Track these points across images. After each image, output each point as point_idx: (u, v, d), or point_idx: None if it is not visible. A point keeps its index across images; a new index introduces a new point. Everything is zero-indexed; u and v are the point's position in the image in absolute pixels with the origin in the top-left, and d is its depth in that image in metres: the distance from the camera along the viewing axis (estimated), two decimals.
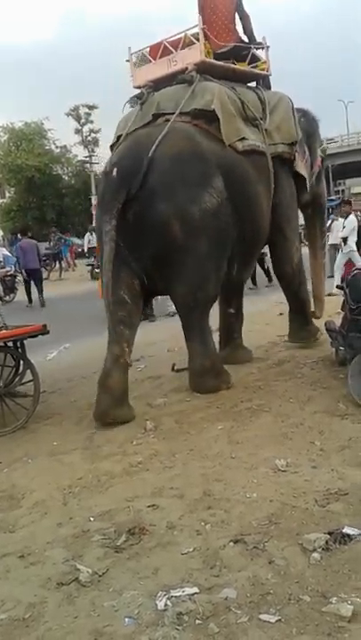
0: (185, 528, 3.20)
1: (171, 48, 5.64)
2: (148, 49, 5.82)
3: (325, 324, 6.30)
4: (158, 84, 5.63)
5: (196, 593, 2.59)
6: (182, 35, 5.57)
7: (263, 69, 6.15)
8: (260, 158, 5.61)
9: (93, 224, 28.91)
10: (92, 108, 46.67)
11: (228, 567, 2.78)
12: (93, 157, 41.69)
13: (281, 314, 9.39)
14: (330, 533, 2.91)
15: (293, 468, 3.80)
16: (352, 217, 12.34)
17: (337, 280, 9.84)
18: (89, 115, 47.12)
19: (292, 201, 6.30)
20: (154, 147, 4.92)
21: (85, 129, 47.55)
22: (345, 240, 11.98)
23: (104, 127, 44.58)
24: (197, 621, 2.42)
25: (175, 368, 6.61)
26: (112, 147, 5.87)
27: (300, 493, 3.43)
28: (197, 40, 5.46)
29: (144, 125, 5.46)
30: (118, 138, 5.67)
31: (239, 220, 5.30)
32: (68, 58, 76.88)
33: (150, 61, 5.85)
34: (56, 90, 68.85)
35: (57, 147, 45.31)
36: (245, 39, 6.01)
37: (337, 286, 6.21)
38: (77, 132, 47.60)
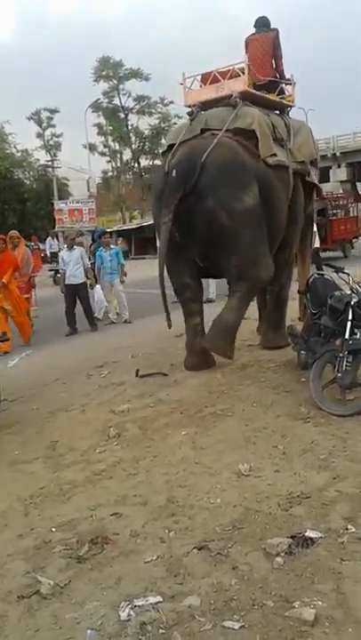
0: (148, 536, 3.17)
1: (219, 77, 6.90)
2: (200, 76, 7.15)
3: (288, 329, 6.37)
4: (205, 105, 6.77)
5: (159, 602, 2.56)
6: (230, 67, 6.88)
7: (290, 101, 7.43)
8: (284, 172, 6.63)
9: (56, 228, 28.79)
10: (53, 112, 46.42)
11: (192, 575, 2.76)
12: (55, 162, 41.37)
13: (245, 318, 9.47)
14: (293, 537, 2.93)
15: (257, 472, 3.82)
16: None
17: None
18: (51, 119, 46.84)
19: (301, 209, 7.23)
20: (205, 155, 5.93)
21: (47, 133, 47.23)
22: None
23: (66, 131, 44.42)
24: (161, 630, 2.39)
25: (139, 374, 6.58)
26: (163, 153, 6.92)
27: (264, 498, 3.44)
28: (242, 73, 6.76)
29: (194, 137, 6.37)
30: (169, 146, 6.59)
31: (266, 218, 6.23)
32: (28, 59, 75.75)
33: (200, 86, 7.17)
34: (16, 92, 67.81)
35: (18, 150, 44.88)
36: (277, 75, 7.24)
37: (298, 291, 6.29)
38: (39, 136, 47.23)
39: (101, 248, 11.42)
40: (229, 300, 6.37)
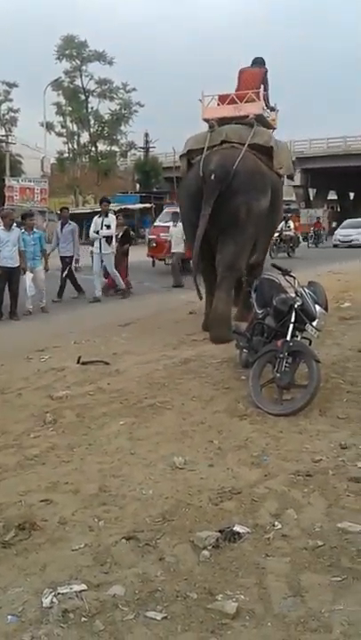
0: (77, 524, 3.15)
1: (237, 99, 8.40)
2: (218, 97, 8.59)
3: (233, 327, 6.45)
4: (221, 121, 8.21)
5: (83, 590, 2.55)
6: (247, 92, 8.39)
7: (274, 124, 9.20)
8: (281, 180, 8.41)
9: (5, 206, 27.94)
10: (11, 85, 44.97)
11: (119, 564, 2.77)
12: (10, 137, 40.13)
13: (191, 312, 9.54)
14: (221, 531, 2.97)
15: (191, 465, 3.85)
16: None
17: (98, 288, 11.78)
18: (8, 92, 45.40)
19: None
20: (236, 164, 7.34)
21: (3, 107, 45.78)
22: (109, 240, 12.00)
23: (24, 107, 43.21)
24: (83, 619, 2.38)
25: (80, 361, 6.51)
26: (181, 156, 8.46)
27: (196, 491, 3.48)
28: (258, 99, 8.30)
29: (214, 146, 7.82)
30: (188, 151, 8.16)
31: (271, 220, 8.02)
32: None
33: (218, 104, 8.57)
34: None
35: None
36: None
37: (246, 290, 6.37)
38: None
39: (24, 230, 10.63)
40: (218, 292, 7.50)
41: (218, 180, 7.22)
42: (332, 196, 58.35)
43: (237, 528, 3.00)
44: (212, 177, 7.24)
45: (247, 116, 8.17)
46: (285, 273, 5.48)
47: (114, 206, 20.23)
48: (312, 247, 29.84)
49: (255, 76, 8.62)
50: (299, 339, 5.15)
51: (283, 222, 20.25)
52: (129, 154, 45.93)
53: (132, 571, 2.70)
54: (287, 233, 23.19)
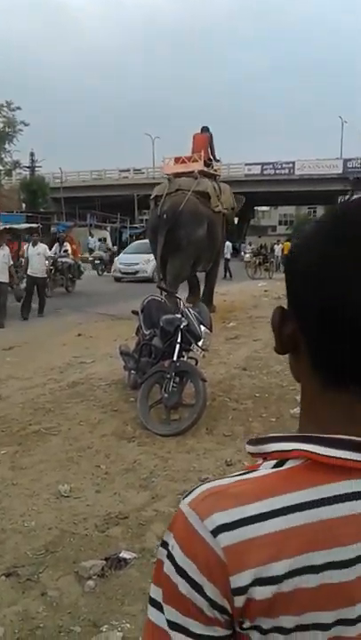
0: None
1: (186, 160, 12.13)
2: (174, 159, 12.51)
3: (119, 348, 6.40)
4: (176, 175, 11.52)
5: None
6: (193, 155, 12.13)
7: (217, 171, 12.96)
8: (219, 215, 11.49)
9: None
10: None
11: None
12: None
13: (79, 334, 9.39)
14: (106, 559, 2.90)
15: (77, 493, 3.74)
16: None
17: None
18: None
19: (223, 238, 12.70)
20: (182, 205, 10.28)
21: None
22: None
23: None
24: None
25: None
26: (150, 199, 11.47)
27: (81, 519, 3.38)
28: (200, 159, 11.93)
29: (171, 193, 10.73)
30: (155, 197, 11.05)
31: (210, 243, 10.96)
32: None
33: (173, 163, 12.45)
34: None
35: None
36: (211, 157, 12.64)
37: (132, 311, 6.37)
38: None
39: None
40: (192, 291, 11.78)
41: (168, 219, 10.24)
42: None
43: (124, 554, 2.95)
44: (165, 216, 10.27)
45: (193, 172, 11.44)
46: (171, 294, 5.57)
47: None
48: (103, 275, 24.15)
49: (203, 140, 12.53)
50: (185, 359, 5.22)
51: (56, 245, 16.32)
52: (14, 173, 44.73)
53: (12, 609, 2.55)
54: (63, 260, 16.29)
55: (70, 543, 3.12)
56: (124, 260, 21.61)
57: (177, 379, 5.02)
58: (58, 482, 3.86)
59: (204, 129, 12.84)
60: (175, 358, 5.02)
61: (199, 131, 12.87)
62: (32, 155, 45.75)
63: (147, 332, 5.72)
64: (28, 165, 45.83)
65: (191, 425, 4.79)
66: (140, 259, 20.56)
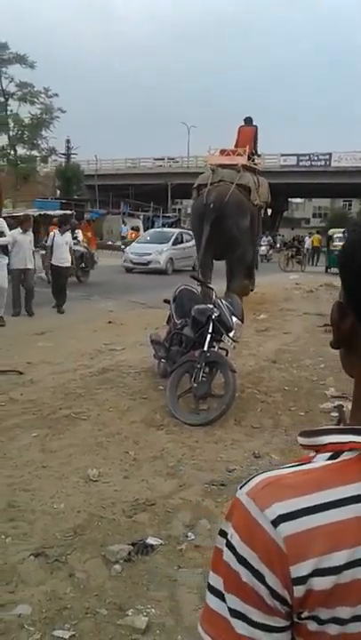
0: None
1: (230, 153, 12.29)
2: (219, 150, 12.68)
3: (150, 336, 6.43)
4: (220, 166, 11.67)
5: None
6: (237, 149, 12.35)
7: (258, 165, 13.22)
8: (257, 208, 11.80)
9: None
10: None
11: (26, 582, 2.65)
12: None
13: (110, 322, 9.46)
14: (133, 544, 2.93)
15: (105, 477, 3.78)
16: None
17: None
18: None
19: (260, 230, 13.65)
20: (227, 196, 10.57)
21: None
22: None
23: None
24: None
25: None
26: (193, 188, 11.80)
27: (109, 504, 3.41)
28: (244, 153, 12.02)
29: (215, 183, 11.05)
30: (198, 186, 11.44)
31: (251, 234, 11.50)
32: None
33: (219, 154, 12.57)
34: None
35: None
36: (253, 151, 12.85)
37: (164, 300, 6.38)
38: None
39: None
40: (235, 279, 11.07)
41: (215, 208, 10.52)
42: None
43: (150, 540, 2.97)
44: (211, 205, 10.55)
45: (237, 165, 11.69)
46: (204, 284, 5.55)
47: (33, 211, 19.55)
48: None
49: (249, 133, 12.95)
50: (216, 349, 5.22)
51: (68, 232, 12.16)
52: (50, 159, 45.07)
53: (40, 589, 2.60)
54: (75, 248, 13.49)
55: (98, 527, 3.15)
56: (135, 250, 20.02)
57: (207, 369, 5.02)
58: (87, 466, 3.90)
59: (248, 120, 13.02)
60: (206, 348, 5.02)
61: (243, 123, 13.06)
62: (68, 142, 45.93)
63: (178, 322, 5.72)
64: (63, 152, 46.09)
65: (220, 415, 4.79)
66: (153, 249, 19.51)
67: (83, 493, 3.55)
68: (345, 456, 0.60)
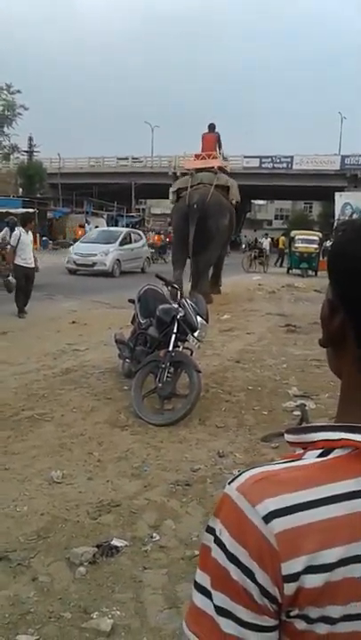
0: None
1: (206, 156, 13.25)
2: (194, 155, 14.04)
3: (114, 336, 6.39)
4: (196, 170, 12.65)
5: None
6: (212, 152, 13.44)
7: (227, 168, 14.47)
8: (234, 206, 12.88)
9: None
10: None
11: None
12: None
13: (73, 322, 9.36)
14: (98, 546, 2.90)
15: (69, 479, 3.74)
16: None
17: None
18: None
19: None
20: (208, 197, 11.62)
21: None
22: None
23: None
24: None
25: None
26: (172, 191, 13.04)
27: (73, 506, 3.37)
28: (217, 156, 13.42)
29: (194, 185, 12.06)
30: (178, 190, 12.64)
31: (229, 233, 12.79)
32: None
33: (194, 159, 13.85)
34: None
35: None
36: (219, 155, 13.95)
37: (129, 300, 6.35)
38: None
39: None
40: (201, 279, 11.89)
41: (198, 208, 11.47)
42: None
43: (115, 542, 2.95)
44: (195, 206, 11.50)
45: (212, 167, 12.67)
46: (169, 283, 5.55)
47: None
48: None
49: (212, 140, 13.71)
50: (181, 349, 5.22)
51: (5, 230, 13.39)
52: (12, 157, 44.33)
53: (3, 593, 2.55)
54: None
55: (62, 529, 3.11)
56: (79, 250, 18.72)
57: (172, 369, 5.02)
58: (50, 468, 3.85)
59: (211, 127, 13.80)
60: (171, 348, 5.01)
61: (207, 130, 13.81)
62: (30, 139, 45.24)
63: (143, 321, 5.70)
64: (26, 150, 45.39)
65: (184, 415, 4.80)
66: (98, 249, 18.29)
67: (46, 496, 3.50)
68: (336, 453, 0.61)
